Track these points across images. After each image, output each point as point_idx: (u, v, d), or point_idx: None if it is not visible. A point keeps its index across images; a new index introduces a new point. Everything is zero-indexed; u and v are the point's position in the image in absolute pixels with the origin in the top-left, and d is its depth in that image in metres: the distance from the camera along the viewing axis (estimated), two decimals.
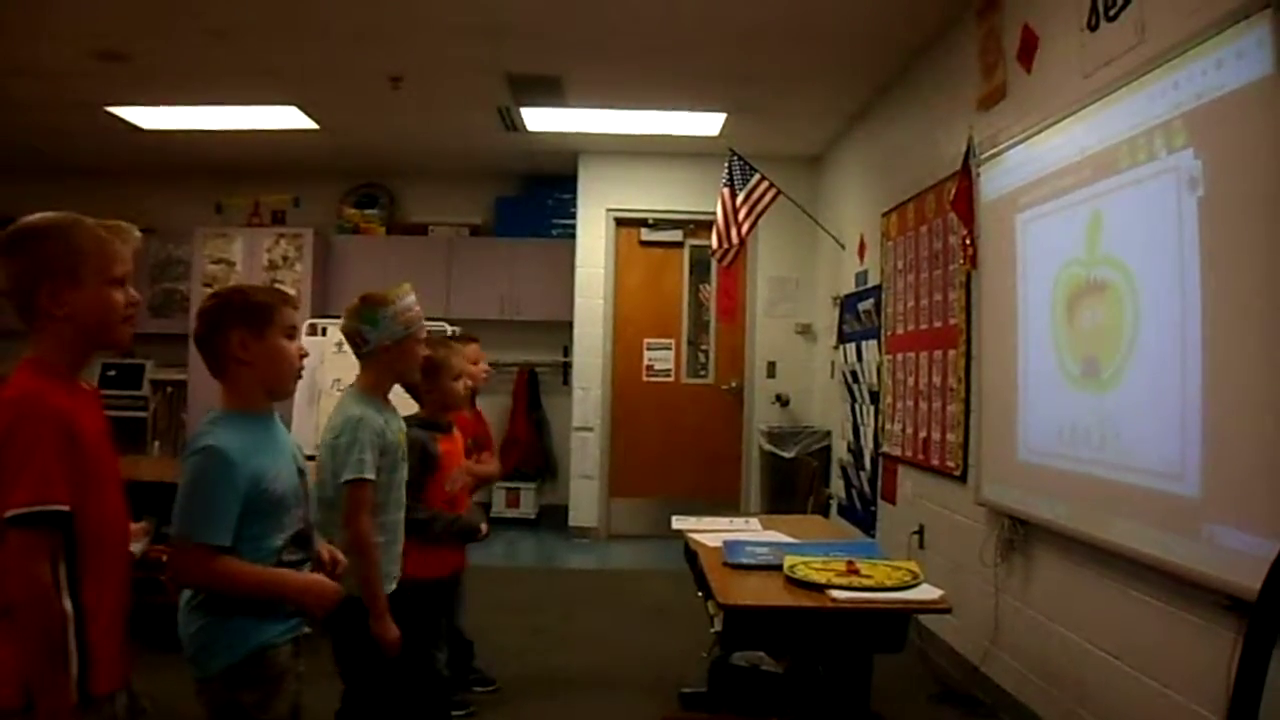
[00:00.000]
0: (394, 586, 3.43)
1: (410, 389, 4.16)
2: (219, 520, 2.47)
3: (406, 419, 4.08)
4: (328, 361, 6.57)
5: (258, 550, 2.54)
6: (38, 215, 2.23)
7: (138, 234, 2.32)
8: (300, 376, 2.82)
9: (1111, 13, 3.89)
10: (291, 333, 2.74)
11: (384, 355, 3.44)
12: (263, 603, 2.57)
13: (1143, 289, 3.57)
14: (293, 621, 2.66)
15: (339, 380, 3.52)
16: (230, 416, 2.62)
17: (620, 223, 9.54)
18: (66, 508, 2.06)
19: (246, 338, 2.63)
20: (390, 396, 3.57)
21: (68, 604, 2.09)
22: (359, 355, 3.50)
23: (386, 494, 3.39)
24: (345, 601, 2.84)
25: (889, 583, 3.48)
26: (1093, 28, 4.04)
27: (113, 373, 9.61)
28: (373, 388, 3.47)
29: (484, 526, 4.12)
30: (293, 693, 2.67)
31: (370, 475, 3.27)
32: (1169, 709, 3.42)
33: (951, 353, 5.49)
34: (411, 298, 3.49)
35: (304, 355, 2.78)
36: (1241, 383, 3.04)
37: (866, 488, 7.13)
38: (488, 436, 5.09)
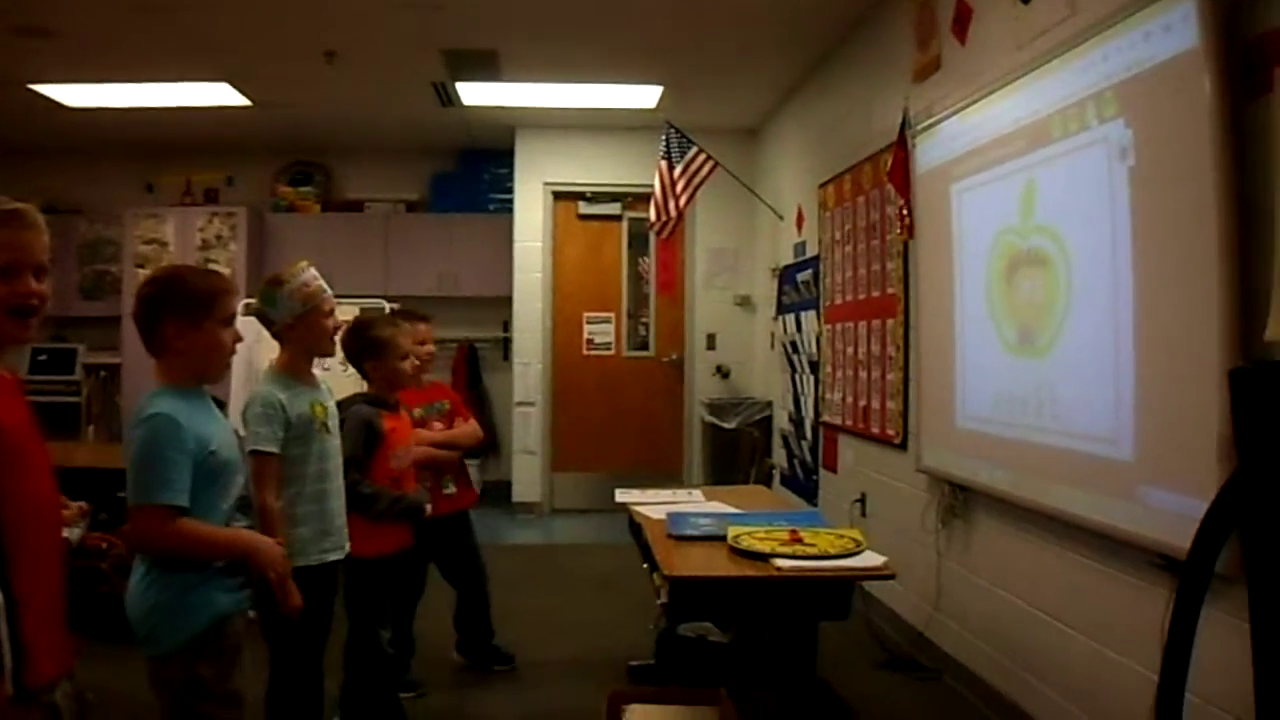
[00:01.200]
0: (331, 558, 3.44)
1: (358, 369, 4.17)
2: (175, 482, 2.51)
3: (354, 396, 4.10)
4: (264, 341, 6.51)
5: (209, 515, 2.59)
6: None
7: (36, 218, 2.16)
8: (229, 364, 2.85)
9: None
10: (229, 320, 2.75)
11: (289, 333, 3.47)
12: (216, 574, 2.59)
13: (1076, 257, 3.63)
14: (245, 592, 2.71)
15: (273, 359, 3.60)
16: (168, 389, 2.66)
17: (558, 196, 9.51)
18: None
19: (183, 327, 2.65)
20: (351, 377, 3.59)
21: None
22: (272, 335, 3.53)
23: (302, 467, 3.40)
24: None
25: (832, 551, 3.52)
26: (1025, 1, 4.09)
27: (44, 358, 9.45)
28: (286, 365, 3.50)
29: (428, 506, 4.13)
30: (245, 665, 2.69)
31: (267, 448, 3.31)
32: (1109, 668, 3.51)
33: (890, 322, 5.55)
34: (310, 273, 3.49)
35: (238, 340, 2.79)
36: (1172, 348, 3.10)
37: (808, 457, 7.20)
38: (458, 401, 5.12)
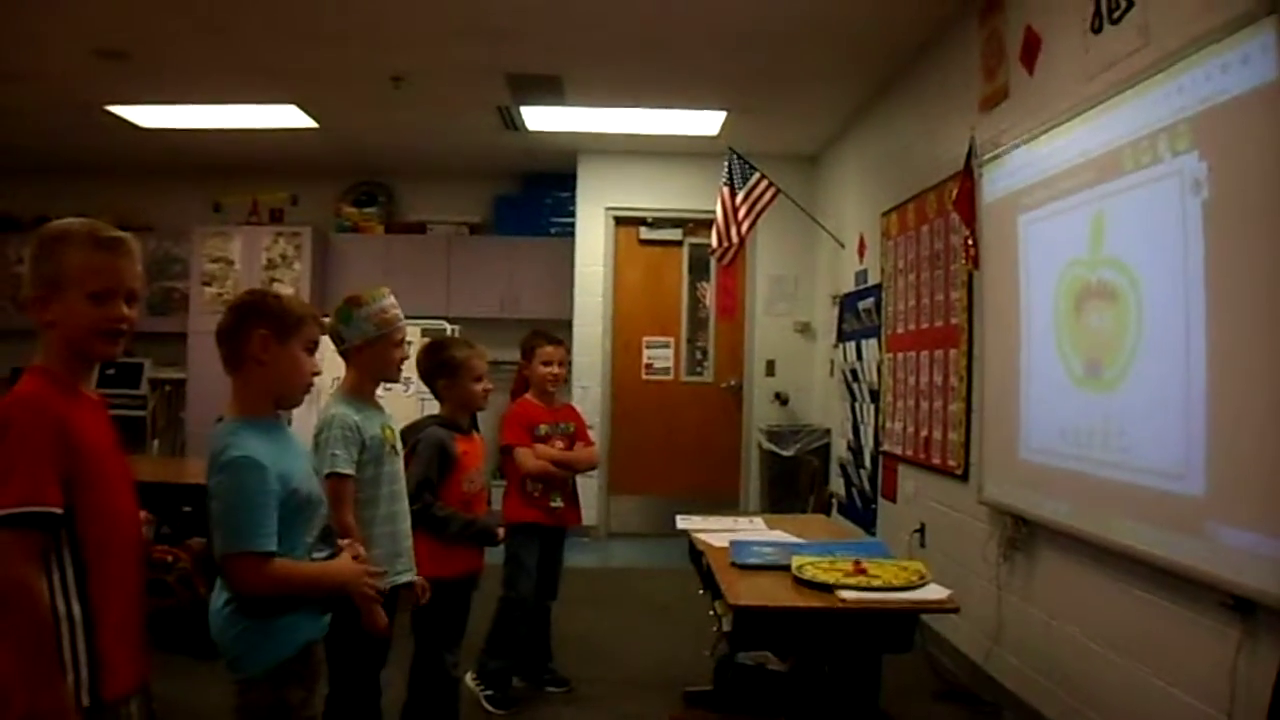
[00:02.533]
0: (404, 580, 3.48)
1: (431, 389, 4.22)
2: (263, 526, 2.52)
3: (427, 419, 4.14)
4: (328, 360, 6.61)
5: (293, 550, 2.60)
6: (52, 223, 2.25)
7: (132, 246, 2.28)
8: (309, 391, 2.87)
9: (1115, 15, 3.91)
10: (312, 347, 2.78)
11: (358, 355, 3.51)
12: (302, 599, 2.62)
13: (1146, 290, 3.59)
14: (328, 617, 2.73)
15: (337, 379, 3.65)
16: (246, 423, 2.66)
17: (619, 221, 9.55)
18: (57, 509, 2.06)
19: (269, 340, 2.67)
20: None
21: (76, 607, 2.10)
22: (340, 354, 3.57)
23: (375, 489, 3.44)
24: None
25: (897, 582, 3.49)
26: (1096, 30, 4.06)
27: (111, 372, 9.57)
28: (353, 387, 3.53)
29: (500, 531, 4.17)
30: (322, 690, 2.72)
31: (344, 470, 3.33)
32: (1173, 707, 3.44)
33: (953, 352, 5.51)
34: (389, 301, 3.54)
35: (317, 373, 2.82)
36: (1245, 383, 3.06)
37: (867, 486, 7.15)
38: (582, 425, 5.25)
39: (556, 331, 9.34)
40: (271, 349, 2.68)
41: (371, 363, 3.52)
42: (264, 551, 2.51)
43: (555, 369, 5.04)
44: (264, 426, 2.68)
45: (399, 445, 3.59)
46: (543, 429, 4.98)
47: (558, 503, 4.97)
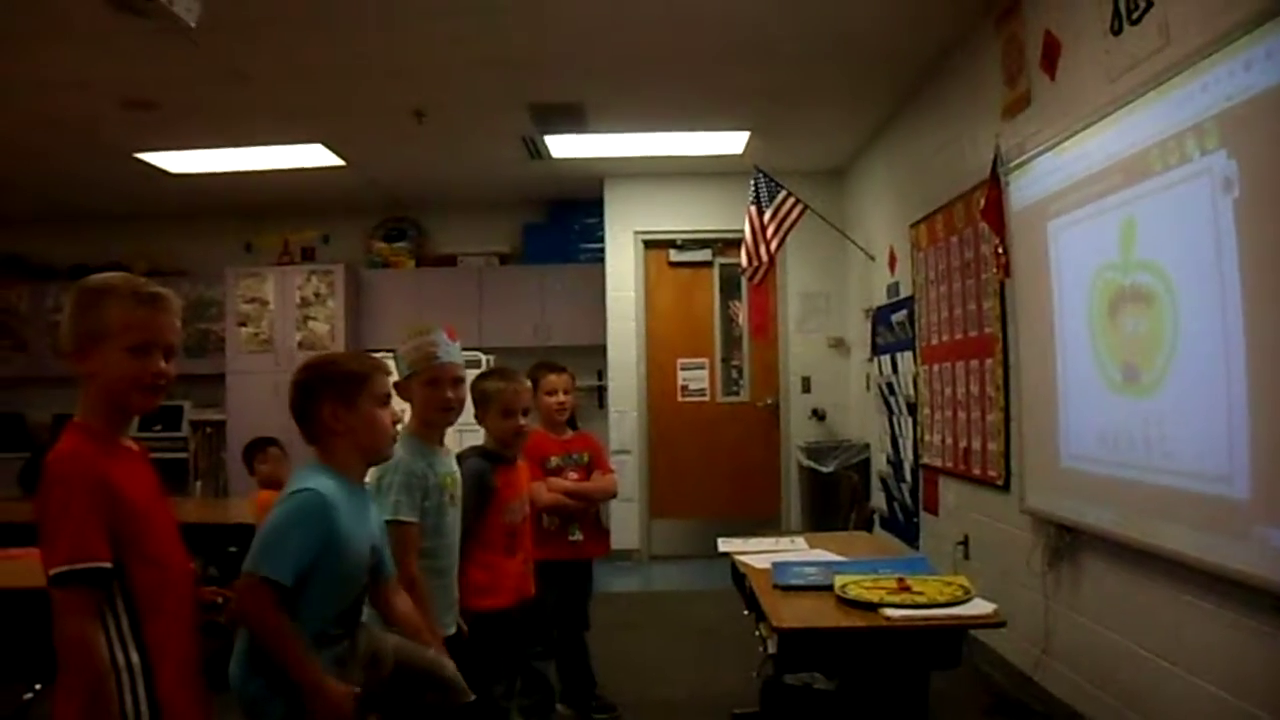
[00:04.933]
0: (451, 632, 3.44)
1: (478, 420, 4.17)
2: (288, 559, 2.50)
3: (470, 449, 4.09)
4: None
5: (309, 609, 2.55)
6: (93, 276, 2.30)
7: (172, 303, 2.34)
8: (395, 441, 2.88)
9: (1134, 16, 3.88)
10: (385, 400, 2.80)
11: (403, 392, 3.45)
12: (317, 654, 2.59)
13: (1181, 292, 3.55)
14: (340, 669, 2.68)
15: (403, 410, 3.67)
16: (328, 469, 2.69)
17: (649, 244, 9.56)
18: (107, 564, 2.10)
19: (338, 408, 2.70)
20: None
21: (134, 656, 2.13)
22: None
23: (435, 539, 3.41)
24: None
25: (941, 599, 3.46)
26: (1116, 32, 4.04)
27: (151, 414, 9.66)
28: (413, 429, 3.50)
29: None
30: None
31: (406, 517, 3.30)
32: (1225, 712, 3.39)
33: (989, 361, 5.47)
34: (428, 338, 3.49)
35: (396, 420, 2.82)
36: None
37: (908, 499, 7.10)
38: (599, 453, 5.18)
39: (591, 357, 9.42)
40: (344, 417, 2.71)
41: (415, 403, 3.49)
42: (274, 580, 2.48)
43: (560, 397, 4.96)
44: (344, 481, 2.69)
45: (458, 495, 3.55)
46: (553, 461, 4.88)
47: (577, 535, 4.88)
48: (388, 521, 3.22)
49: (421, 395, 3.48)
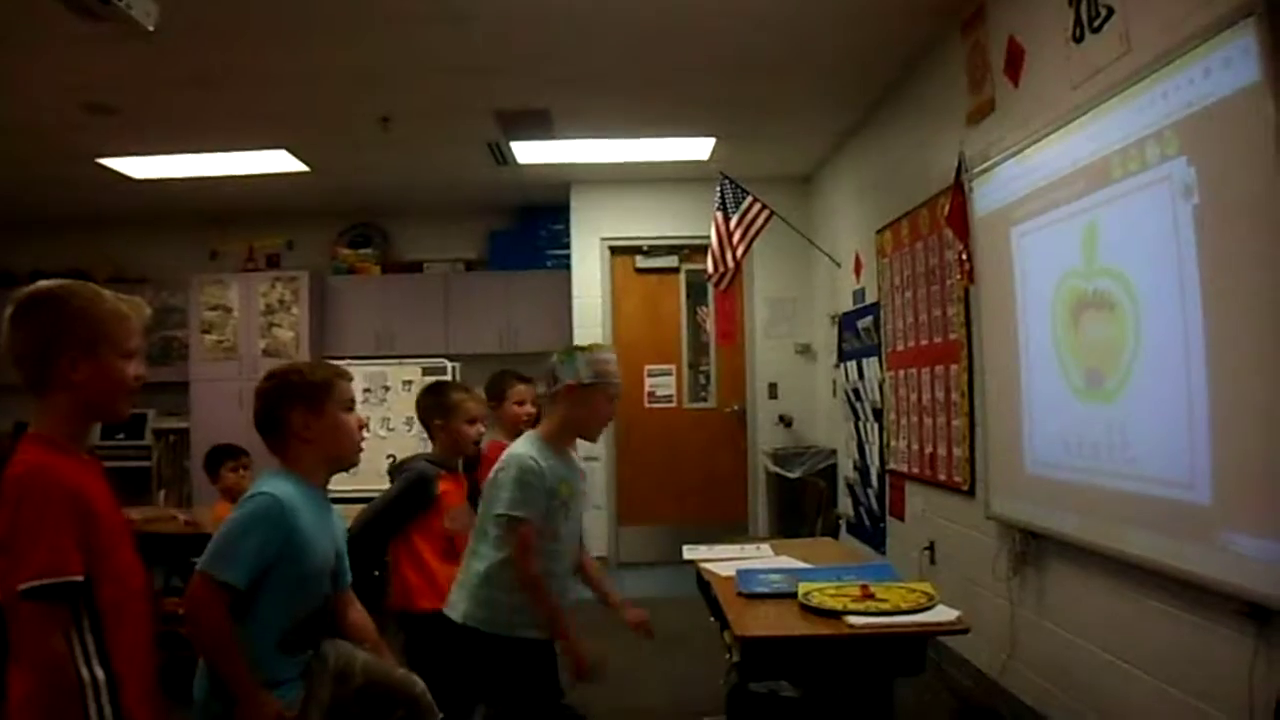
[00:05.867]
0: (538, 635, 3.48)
1: (426, 429, 4.21)
2: (242, 560, 2.50)
3: (417, 456, 4.15)
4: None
5: (269, 611, 2.54)
6: (55, 281, 2.25)
7: (147, 310, 2.33)
8: (362, 448, 2.87)
9: (1096, 24, 3.90)
10: (350, 405, 2.80)
11: (565, 397, 3.51)
12: (275, 683, 2.56)
13: (1143, 298, 3.57)
14: (296, 693, 2.64)
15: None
16: (290, 474, 2.68)
17: (615, 251, 9.55)
18: (79, 578, 2.07)
19: (307, 416, 2.69)
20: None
21: (99, 672, 2.10)
22: (546, 398, 3.61)
23: (540, 542, 3.40)
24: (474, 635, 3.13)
25: (905, 606, 3.45)
26: (1078, 39, 4.06)
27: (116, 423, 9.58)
28: (549, 432, 3.55)
29: None
30: None
31: (517, 512, 3.31)
32: (1187, 714, 3.41)
33: (954, 367, 5.49)
34: (612, 356, 3.59)
35: (362, 425, 2.82)
36: (1247, 387, 3.03)
37: (874, 505, 7.11)
38: None
39: None
40: (313, 425, 2.71)
41: (575, 410, 3.52)
42: (225, 582, 2.48)
43: (529, 407, 4.92)
44: (304, 487, 2.69)
45: (571, 506, 3.53)
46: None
47: None
48: (495, 515, 3.28)
49: (589, 404, 3.53)
